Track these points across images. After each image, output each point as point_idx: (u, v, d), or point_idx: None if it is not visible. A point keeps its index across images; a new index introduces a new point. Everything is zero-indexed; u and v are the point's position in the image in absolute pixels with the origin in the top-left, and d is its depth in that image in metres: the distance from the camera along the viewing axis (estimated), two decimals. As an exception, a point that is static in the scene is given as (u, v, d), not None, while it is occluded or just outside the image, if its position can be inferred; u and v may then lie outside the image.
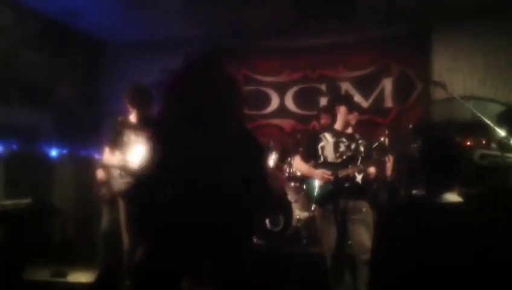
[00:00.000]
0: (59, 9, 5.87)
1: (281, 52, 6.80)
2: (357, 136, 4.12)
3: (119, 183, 4.20)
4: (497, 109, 5.65)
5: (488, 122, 3.97)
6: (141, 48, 6.99)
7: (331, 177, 3.91)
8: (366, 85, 6.36)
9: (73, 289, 4.20)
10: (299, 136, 6.01)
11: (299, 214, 5.14)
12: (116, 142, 4.21)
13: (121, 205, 4.20)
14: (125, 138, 4.18)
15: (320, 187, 4.00)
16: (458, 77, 6.03)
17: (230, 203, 2.27)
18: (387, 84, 6.36)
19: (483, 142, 4.41)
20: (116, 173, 4.23)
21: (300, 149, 4.35)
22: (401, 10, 5.93)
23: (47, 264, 4.52)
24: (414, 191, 3.99)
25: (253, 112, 6.69)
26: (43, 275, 4.33)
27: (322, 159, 4.06)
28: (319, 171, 3.98)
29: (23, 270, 4.40)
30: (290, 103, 6.76)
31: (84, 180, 6.04)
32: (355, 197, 3.90)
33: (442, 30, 6.14)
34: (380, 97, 6.33)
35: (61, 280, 4.26)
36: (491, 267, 1.89)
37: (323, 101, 6.55)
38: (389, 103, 6.34)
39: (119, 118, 4.34)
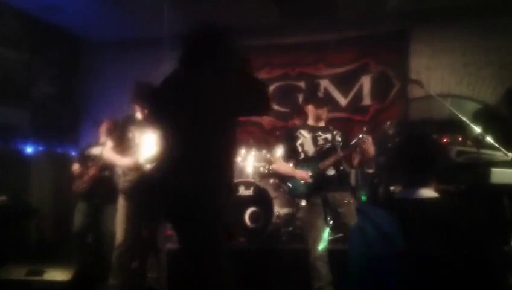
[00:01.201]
0: (38, 6, 5.78)
1: (261, 50, 6.79)
2: (330, 127, 4.18)
3: (123, 181, 4.16)
4: (474, 107, 5.74)
5: (465, 119, 4.04)
6: (121, 46, 6.94)
7: (310, 180, 3.93)
8: (345, 82, 6.41)
9: (49, 287, 4.15)
10: (278, 133, 6.02)
11: (278, 210, 5.14)
12: (122, 139, 4.17)
13: (121, 202, 4.16)
14: (131, 136, 4.14)
15: (304, 183, 4.02)
16: (436, 76, 6.11)
17: None
18: (366, 82, 6.41)
19: (460, 139, 4.47)
20: (120, 171, 4.22)
21: (280, 150, 4.37)
22: (381, 10, 5.97)
23: (23, 262, 4.46)
24: (392, 187, 4.02)
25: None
26: (18, 274, 4.27)
27: (302, 155, 4.08)
28: (300, 173, 4.00)
29: (-1, 269, 4.33)
30: (269, 100, 6.75)
31: (61, 179, 5.96)
32: (340, 188, 3.93)
33: (421, 30, 6.21)
34: (359, 95, 6.37)
35: (37, 278, 4.20)
36: (467, 263, 1.91)
37: (301, 98, 6.56)
38: (367, 100, 6.39)
39: (126, 115, 4.30)
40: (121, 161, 4.17)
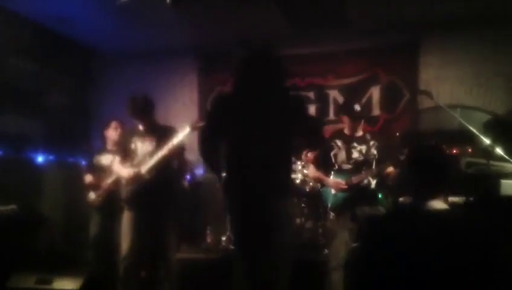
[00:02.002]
0: (50, 17, 5.83)
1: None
2: (368, 137, 4.15)
3: (125, 191, 4.27)
4: (484, 117, 5.71)
5: (474, 130, 4.02)
6: (132, 57, 7.00)
7: (345, 187, 3.95)
8: (354, 93, 6.39)
9: (59, 296, 4.18)
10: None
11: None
12: (125, 151, 4.32)
13: (126, 213, 4.21)
14: (133, 147, 4.26)
15: (335, 195, 4.03)
16: (445, 87, 6.09)
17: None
18: (375, 93, 6.41)
19: (470, 150, 4.45)
20: (124, 181, 4.28)
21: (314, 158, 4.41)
22: (390, 21, 5.99)
23: (32, 271, 4.48)
24: (401, 199, 4.01)
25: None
26: (27, 282, 4.30)
27: (336, 166, 4.09)
28: (333, 181, 4.01)
29: (8, 277, 4.35)
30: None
31: (72, 188, 5.99)
32: (370, 204, 3.93)
33: (430, 41, 6.21)
34: (368, 105, 6.36)
35: (46, 287, 4.23)
36: (477, 274, 1.91)
37: (311, 109, 6.58)
38: (377, 111, 6.38)
39: (128, 128, 4.51)
40: (123, 172, 4.25)
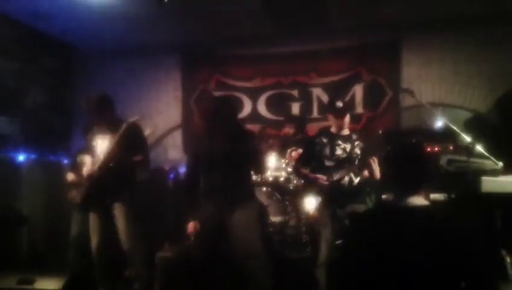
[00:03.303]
0: (29, 14, 5.71)
1: (254, 59, 6.84)
2: (354, 136, 4.18)
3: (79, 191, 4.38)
4: (465, 115, 5.78)
5: (456, 128, 4.07)
6: (113, 55, 6.92)
7: (326, 183, 3.97)
8: (337, 91, 6.42)
9: (40, 296, 4.14)
10: (271, 141, 6.02)
11: (271, 218, 5.14)
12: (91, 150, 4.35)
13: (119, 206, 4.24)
14: (94, 145, 4.28)
15: (318, 192, 4.06)
16: (428, 85, 6.15)
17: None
18: (358, 90, 6.45)
19: (451, 148, 4.50)
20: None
21: (299, 156, 4.46)
22: (373, 20, 6.02)
23: (14, 271, 4.44)
24: (384, 196, 4.04)
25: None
26: (9, 283, 4.26)
27: (319, 162, 4.11)
28: (314, 176, 4.04)
29: (-11, 278, 4.31)
30: (262, 108, 6.78)
31: (53, 187, 5.93)
32: (352, 201, 3.95)
33: (412, 40, 6.27)
34: (351, 103, 6.39)
35: (28, 287, 4.19)
36: (456, 271, 1.93)
37: (295, 107, 6.63)
38: (360, 109, 6.42)
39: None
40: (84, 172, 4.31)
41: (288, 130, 5.69)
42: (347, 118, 4.16)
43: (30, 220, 5.84)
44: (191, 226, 3.70)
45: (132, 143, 4.19)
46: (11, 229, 5.45)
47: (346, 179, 4.02)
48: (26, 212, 5.87)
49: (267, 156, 5.23)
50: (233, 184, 3.63)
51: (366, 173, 4.00)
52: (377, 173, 3.86)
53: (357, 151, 4.11)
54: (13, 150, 5.93)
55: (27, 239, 5.98)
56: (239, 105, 6.67)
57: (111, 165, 4.14)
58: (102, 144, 4.21)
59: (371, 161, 3.87)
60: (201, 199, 3.76)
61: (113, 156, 4.11)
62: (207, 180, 3.74)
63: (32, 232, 6.04)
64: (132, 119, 4.15)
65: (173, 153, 6.79)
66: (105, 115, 4.26)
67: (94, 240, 4.22)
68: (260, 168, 4.16)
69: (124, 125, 4.11)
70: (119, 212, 4.20)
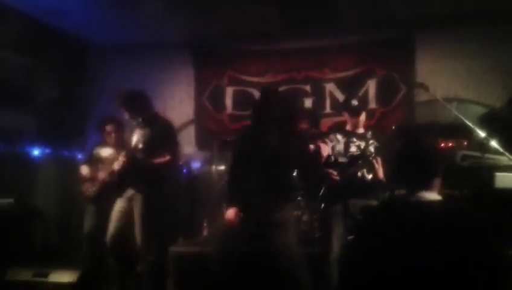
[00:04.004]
0: (42, 10, 5.75)
1: (266, 55, 6.83)
2: (368, 135, 4.21)
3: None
4: (479, 111, 5.72)
5: (470, 124, 4.03)
6: (125, 50, 6.94)
7: (337, 177, 3.98)
8: (350, 86, 6.39)
9: (54, 289, 4.19)
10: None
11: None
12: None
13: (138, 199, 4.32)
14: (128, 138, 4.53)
15: (328, 187, 4.05)
16: (442, 80, 6.09)
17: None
18: (372, 86, 6.41)
19: (465, 143, 4.46)
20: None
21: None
22: (385, 16, 5.98)
23: (29, 265, 4.50)
24: (395, 192, 4.02)
25: (238, 113, 6.72)
26: (24, 275, 4.32)
27: (332, 159, 4.13)
28: (326, 171, 4.04)
29: (5, 271, 4.37)
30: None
31: (67, 182, 5.99)
32: (363, 196, 3.94)
33: (425, 35, 6.19)
34: (365, 98, 6.36)
35: (43, 280, 4.25)
36: (469, 266, 1.91)
37: (308, 102, 6.60)
38: (373, 104, 6.39)
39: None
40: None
41: (302, 125, 5.67)
42: (362, 116, 4.18)
43: (44, 214, 5.90)
44: (231, 213, 3.55)
45: (164, 141, 4.28)
46: (25, 223, 5.50)
47: (359, 174, 4.01)
48: (41, 206, 5.94)
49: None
50: (275, 188, 3.51)
51: (378, 170, 3.99)
52: (380, 174, 3.91)
53: (371, 149, 4.12)
54: (27, 144, 6.00)
55: (41, 233, 6.05)
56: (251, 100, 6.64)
57: (139, 158, 4.23)
58: (135, 137, 4.33)
59: (374, 161, 3.89)
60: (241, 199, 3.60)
61: (144, 150, 4.18)
62: (248, 181, 3.58)
63: (46, 226, 6.11)
64: (168, 119, 4.37)
65: (187, 148, 6.81)
66: (141, 111, 4.41)
67: (110, 232, 4.26)
68: (307, 176, 3.92)
69: (159, 124, 4.33)
70: (136, 205, 4.25)
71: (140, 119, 4.39)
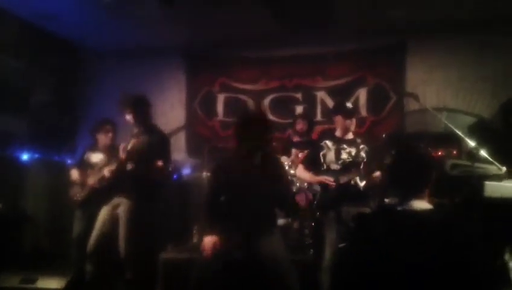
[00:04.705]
0: (36, 13, 5.74)
1: (259, 61, 6.86)
2: (358, 140, 4.22)
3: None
4: (469, 120, 5.77)
5: (460, 133, 4.06)
6: (119, 55, 6.95)
7: (333, 183, 3.98)
8: (341, 94, 6.41)
9: (43, 295, 4.15)
10: (274, 144, 6.03)
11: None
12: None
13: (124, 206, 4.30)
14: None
15: (322, 194, 4.05)
16: (432, 89, 6.14)
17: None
18: (362, 94, 6.45)
19: (455, 152, 4.49)
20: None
21: (304, 158, 4.47)
22: (378, 24, 6.02)
23: (17, 270, 4.45)
24: (386, 200, 4.04)
25: (229, 119, 6.72)
26: (12, 281, 4.27)
27: (324, 166, 4.14)
28: (321, 178, 4.04)
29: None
30: (266, 111, 6.78)
31: (57, 186, 5.95)
32: (357, 204, 3.95)
33: (417, 44, 6.26)
34: (355, 106, 6.39)
35: (31, 286, 4.20)
36: (457, 275, 1.93)
37: (299, 110, 6.62)
38: (363, 112, 6.42)
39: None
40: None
41: (302, 126, 5.75)
42: (353, 121, 4.19)
43: (33, 219, 5.86)
44: (209, 241, 3.29)
45: (161, 152, 4.32)
46: (14, 227, 5.46)
47: (352, 182, 4.03)
48: (29, 211, 5.89)
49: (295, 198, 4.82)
50: (260, 214, 3.34)
51: (376, 175, 4.02)
52: (375, 177, 3.97)
53: (363, 154, 4.13)
54: (18, 148, 5.95)
55: (30, 238, 6.00)
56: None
57: (133, 164, 4.23)
58: (131, 144, 4.28)
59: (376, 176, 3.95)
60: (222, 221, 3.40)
61: (139, 157, 4.18)
62: (231, 204, 3.42)
63: (35, 231, 6.06)
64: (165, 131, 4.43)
65: (177, 155, 6.80)
66: (145, 117, 4.44)
67: (92, 239, 4.25)
68: (288, 208, 4.02)
69: (157, 134, 4.40)
70: (122, 212, 4.23)
71: (141, 126, 4.38)
